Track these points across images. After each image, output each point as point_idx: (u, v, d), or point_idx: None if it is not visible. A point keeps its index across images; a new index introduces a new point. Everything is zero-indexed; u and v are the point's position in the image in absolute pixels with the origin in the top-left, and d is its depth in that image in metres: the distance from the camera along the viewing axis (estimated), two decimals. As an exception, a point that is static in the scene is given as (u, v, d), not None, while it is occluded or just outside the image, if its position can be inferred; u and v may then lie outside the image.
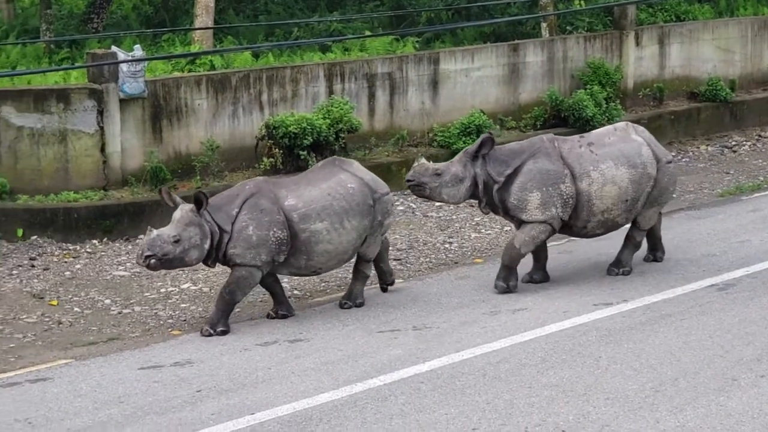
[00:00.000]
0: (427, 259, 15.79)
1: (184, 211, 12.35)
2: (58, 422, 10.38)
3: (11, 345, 12.59)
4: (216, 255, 12.54)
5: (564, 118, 21.41)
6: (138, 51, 17.76)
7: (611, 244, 15.01)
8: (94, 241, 16.35)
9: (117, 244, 16.37)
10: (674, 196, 14.79)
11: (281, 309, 13.18)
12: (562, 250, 15.68)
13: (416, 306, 13.51)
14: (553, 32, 23.26)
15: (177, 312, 13.68)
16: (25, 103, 16.89)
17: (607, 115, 21.49)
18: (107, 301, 14.04)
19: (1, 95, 16.83)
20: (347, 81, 19.68)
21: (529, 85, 21.92)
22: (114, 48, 18.11)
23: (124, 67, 17.11)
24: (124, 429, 10.19)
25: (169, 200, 12.58)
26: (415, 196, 15.77)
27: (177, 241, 12.15)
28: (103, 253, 16.03)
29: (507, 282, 13.76)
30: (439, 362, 11.64)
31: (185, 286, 14.64)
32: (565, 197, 13.57)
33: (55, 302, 14.03)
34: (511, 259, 13.72)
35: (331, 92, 19.40)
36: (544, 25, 23.29)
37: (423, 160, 13.75)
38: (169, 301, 14.07)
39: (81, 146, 17.14)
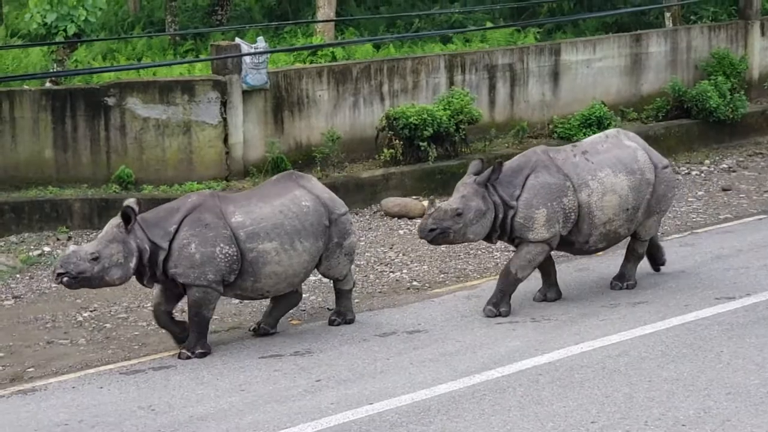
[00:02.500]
0: (547, 251, 15.69)
1: (110, 226, 11.48)
2: (180, 409, 10.56)
3: (135, 333, 12.84)
4: (153, 273, 11.59)
5: (687, 110, 21.10)
6: (261, 43, 17.97)
7: (735, 237, 14.75)
8: (217, 231, 16.56)
9: (239, 234, 16.55)
10: (673, 203, 13.87)
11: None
12: (684, 243, 15.46)
13: (531, 298, 13.44)
14: (677, 22, 22.94)
15: (297, 302, 13.81)
16: (150, 95, 17.21)
17: (731, 106, 21.11)
18: (229, 290, 14.24)
19: (127, 87, 17.17)
20: (468, 72, 19.65)
21: (652, 75, 21.65)
22: (238, 40, 18.34)
23: (247, 58, 17.32)
24: (245, 417, 10.32)
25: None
26: None
27: (95, 259, 11.22)
28: (225, 243, 16.23)
29: (498, 308, 12.80)
30: (558, 354, 11.57)
31: (305, 276, 14.76)
32: (567, 211, 12.73)
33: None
34: (508, 285, 12.85)
35: (451, 83, 19.39)
36: (667, 14, 22.98)
37: (438, 204, 12.53)
38: (290, 290, 14.21)
39: (204, 137, 17.40)
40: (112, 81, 17.30)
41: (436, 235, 12.46)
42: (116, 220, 11.46)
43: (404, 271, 14.70)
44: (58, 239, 15.96)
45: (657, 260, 14.13)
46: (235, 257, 11.64)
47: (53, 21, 17.36)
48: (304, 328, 12.84)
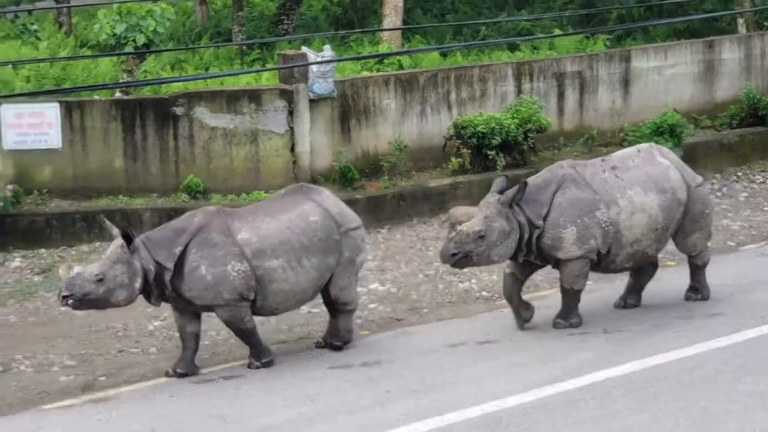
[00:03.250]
0: (618, 261, 15.58)
1: (114, 247, 11.36)
2: (251, 419, 10.61)
3: (206, 342, 12.88)
4: (161, 293, 11.53)
5: (761, 117, 20.83)
6: (328, 52, 18.03)
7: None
8: (284, 240, 16.63)
9: (306, 244, 16.59)
10: (712, 217, 13.46)
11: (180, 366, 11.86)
12: (761, 253, 15.29)
13: (607, 309, 13.34)
14: (750, 28, 22.68)
15: (365, 312, 13.80)
16: (218, 104, 17.33)
17: (807, 114, 20.81)
18: (297, 300, 14.25)
19: (195, 96, 17.30)
20: (536, 80, 19.58)
21: (725, 82, 21.42)
22: (304, 49, 18.41)
23: (314, 67, 17.38)
24: (314, 427, 10.34)
25: (108, 230, 11.78)
26: None
27: (100, 280, 11.13)
28: (293, 252, 16.27)
29: (568, 319, 12.70)
30: (632, 366, 11.47)
31: (373, 286, 14.77)
32: (603, 225, 12.34)
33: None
34: (569, 298, 12.69)
35: (519, 91, 19.32)
36: (740, 21, 22.74)
37: (459, 228, 12.14)
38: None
39: (272, 146, 17.48)
40: (180, 91, 17.44)
41: (459, 259, 12.08)
42: (119, 241, 11.36)
43: (473, 281, 14.65)
44: (127, 248, 16.09)
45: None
46: (249, 273, 11.47)
47: (122, 31, 17.53)
48: (372, 338, 12.84)
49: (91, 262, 15.38)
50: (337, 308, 12.25)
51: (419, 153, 18.49)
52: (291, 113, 17.52)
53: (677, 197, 12.76)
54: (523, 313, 12.71)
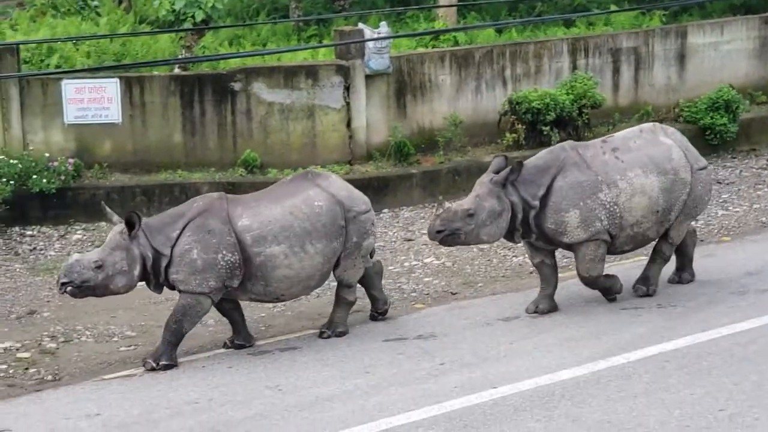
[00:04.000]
0: (672, 237, 15.53)
1: (113, 233, 11.20)
2: (306, 390, 10.71)
3: (262, 315, 13.02)
4: (156, 280, 11.33)
5: (817, 93, 20.64)
6: (384, 28, 18.06)
7: None
8: (340, 215, 16.70)
9: (362, 218, 16.66)
10: (708, 206, 13.25)
11: (238, 338, 11.87)
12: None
13: (660, 284, 13.28)
14: (808, 3, 22.43)
15: (420, 286, 13.87)
16: (275, 80, 17.42)
17: None
18: (353, 274, 14.33)
19: (252, 72, 17.40)
20: (591, 56, 19.51)
21: (782, 58, 21.23)
22: (361, 25, 18.44)
23: (370, 43, 17.42)
24: (369, 399, 10.42)
25: (107, 218, 11.63)
26: None
27: (99, 267, 10.98)
28: (348, 227, 16.35)
29: (611, 293, 12.62)
30: (685, 341, 11.45)
31: (428, 260, 14.83)
32: (608, 206, 12.09)
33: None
34: (594, 284, 12.51)
35: (574, 67, 19.27)
36: (798, -4, 22.49)
37: (447, 205, 12.23)
38: (413, 275, 14.27)
39: (328, 121, 17.56)
40: (238, 66, 17.56)
41: (445, 236, 11.93)
42: (119, 227, 11.19)
43: (527, 255, 14.65)
44: (185, 222, 16.25)
45: (683, 273, 13.31)
46: (237, 264, 11.25)
47: (182, 7, 17.64)
48: (427, 312, 12.90)
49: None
50: (338, 294, 12.08)
51: (474, 128, 18.50)
52: (347, 89, 17.58)
53: (680, 177, 12.42)
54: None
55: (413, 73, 18.22)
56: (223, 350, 11.83)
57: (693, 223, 13.16)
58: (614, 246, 12.43)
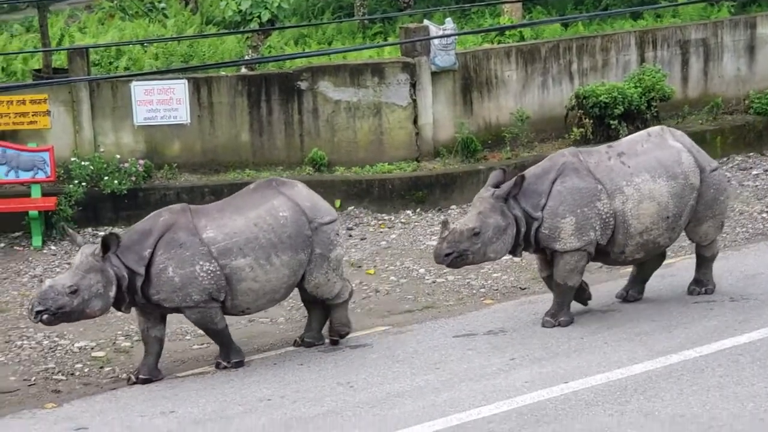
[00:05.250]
0: (744, 229, 15.40)
1: (84, 255, 10.77)
2: (377, 386, 10.77)
3: (332, 311, 13.11)
4: (131, 300, 10.96)
5: None
6: (449, 24, 18.08)
7: None
8: (408, 212, 16.78)
9: (429, 215, 16.73)
10: (727, 204, 12.76)
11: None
12: None
13: (732, 277, 13.22)
14: None
15: (489, 281, 13.88)
16: (341, 78, 17.50)
17: None
18: (421, 270, 14.36)
19: (319, 71, 17.49)
20: (659, 48, 19.38)
21: None
22: (426, 22, 18.46)
23: (435, 40, 17.44)
24: (440, 394, 10.47)
25: (71, 240, 11.36)
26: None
27: (74, 292, 10.58)
28: (416, 223, 16.43)
29: (556, 318, 12.02)
30: (759, 334, 11.37)
31: (497, 255, 14.82)
32: (604, 217, 11.72)
33: (372, 271, 14.47)
34: (562, 294, 12.04)
35: (642, 60, 19.15)
36: None
37: (451, 226, 11.74)
38: (481, 270, 14.26)
39: (394, 119, 17.61)
40: (304, 65, 17.66)
41: (453, 259, 11.63)
42: (90, 248, 10.82)
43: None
44: (255, 221, 16.38)
45: (701, 283, 12.79)
46: (218, 272, 10.94)
47: (248, 8, 17.77)
48: (496, 307, 12.91)
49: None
50: (326, 304, 11.73)
51: (541, 123, 18.45)
52: (413, 86, 17.62)
53: (689, 182, 12.04)
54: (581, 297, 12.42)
55: (479, 69, 18.21)
56: (293, 348, 11.92)
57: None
58: (624, 255, 12.06)
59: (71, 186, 16.10)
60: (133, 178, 16.45)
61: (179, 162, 17.14)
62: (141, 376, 11.12)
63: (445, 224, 11.81)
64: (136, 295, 10.92)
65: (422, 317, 12.74)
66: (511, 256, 12.57)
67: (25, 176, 16.03)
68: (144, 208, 16.17)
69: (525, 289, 13.45)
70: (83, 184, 16.14)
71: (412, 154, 17.68)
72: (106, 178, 16.25)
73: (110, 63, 19.21)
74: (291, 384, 10.91)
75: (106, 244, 10.75)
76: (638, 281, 12.75)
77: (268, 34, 18.85)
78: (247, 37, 18.69)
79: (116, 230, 11.28)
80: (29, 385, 11.38)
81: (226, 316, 11.42)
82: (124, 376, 11.36)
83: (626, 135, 17.67)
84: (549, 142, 18.36)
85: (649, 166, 11.99)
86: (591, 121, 17.92)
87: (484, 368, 11.06)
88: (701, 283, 12.73)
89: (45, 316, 10.58)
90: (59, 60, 18.35)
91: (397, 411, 10.15)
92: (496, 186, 11.79)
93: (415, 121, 17.70)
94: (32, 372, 11.70)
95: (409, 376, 10.98)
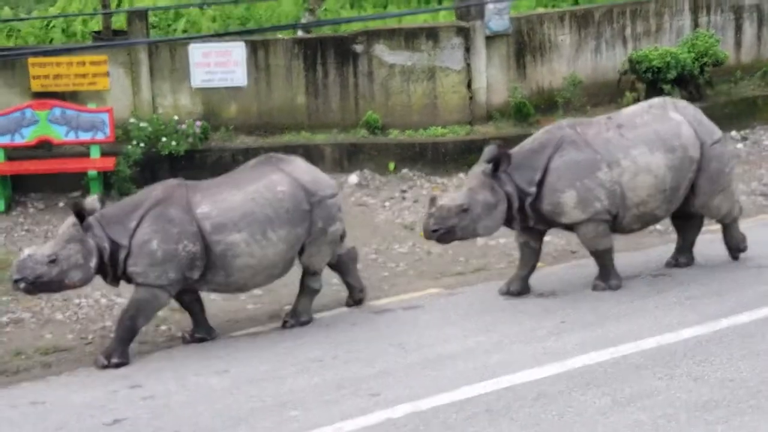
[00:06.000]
0: (796, 194, 15.23)
1: (66, 225, 10.55)
2: (429, 347, 10.72)
3: (385, 274, 13.07)
4: (114, 273, 10.67)
5: None
6: (503, -12, 17.89)
7: None
8: (461, 175, 16.62)
9: (482, 178, 16.59)
10: (732, 176, 12.33)
11: (198, 332, 11.24)
12: None
13: (783, 243, 13.05)
14: None
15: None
16: (396, 42, 17.37)
17: None
18: (473, 233, 14.25)
19: (373, 35, 17.37)
20: (713, 13, 19.09)
21: None
22: (480, -14, 18.30)
23: (490, 4, 17.27)
24: (492, 356, 10.40)
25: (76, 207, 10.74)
26: None
27: (53, 261, 10.33)
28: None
29: (607, 281, 11.90)
30: (811, 299, 11.22)
31: (548, 219, 14.69)
32: (608, 186, 11.47)
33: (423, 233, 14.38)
34: (601, 259, 11.89)
35: (696, 25, 18.89)
36: None
37: (440, 202, 11.44)
38: (533, 233, 14.13)
39: (448, 82, 17.48)
40: (359, 29, 17.54)
41: (441, 235, 11.41)
42: (71, 219, 10.55)
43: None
44: (309, 182, 16.36)
45: (732, 248, 12.58)
46: (197, 255, 10.64)
47: (304, -28, 17.71)
48: (548, 270, 12.79)
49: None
50: (302, 282, 11.47)
51: (593, 88, 18.24)
52: (467, 50, 17.47)
53: (689, 155, 11.73)
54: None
55: (533, 33, 18.03)
56: (345, 309, 11.91)
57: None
58: (621, 226, 11.83)
59: (129, 147, 16.12)
60: (191, 140, 16.44)
61: (236, 124, 17.13)
62: (114, 360, 10.66)
63: (433, 200, 11.53)
64: (119, 268, 10.63)
65: (473, 279, 12.66)
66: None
67: (84, 137, 16.08)
68: (201, 168, 16.22)
69: (575, 252, 13.30)
70: (141, 144, 16.16)
71: (465, 118, 17.55)
72: (164, 139, 16.26)
73: (168, 25, 19.21)
74: (343, 345, 10.89)
75: (80, 214, 10.48)
76: (685, 248, 12.54)
77: (325, -2, 18.76)
78: (304, 1, 18.60)
79: (93, 197, 10.97)
80: (86, 344, 11.46)
81: (224, 294, 11.41)
82: (179, 334, 11.39)
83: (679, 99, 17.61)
84: (601, 107, 18.12)
85: (647, 139, 11.69)
86: (644, 85, 17.74)
87: (535, 331, 10.98)
88: (733, 246, 12.48)
89: (23, 285, 10.39)
90: (118, 22, 18.35)
91: (449, 372, 10.10)
92: (490, 161, 11.49)
93: (468, 85, 17.56)
94: (89, 330, 11.78)
95: (460, 338, 10.92)
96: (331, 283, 12.70)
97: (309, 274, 11.40)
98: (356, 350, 10.74)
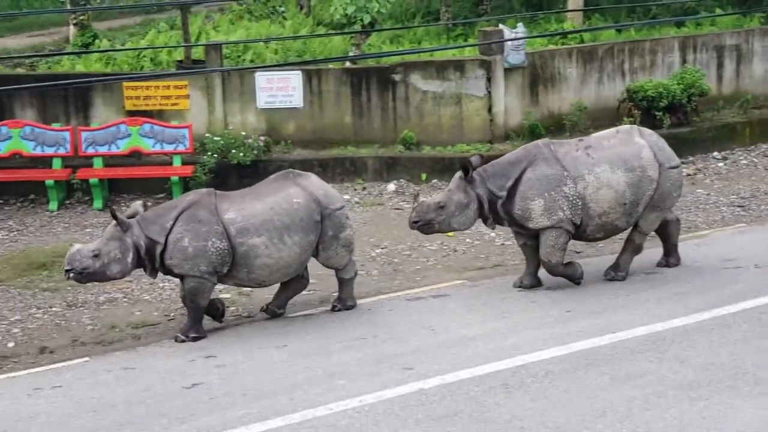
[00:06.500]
0: (767, 207, 15.04)
1: (111, 226, 10.65)
2: (454, 330, 10.72)
3: (417, 267, 13.07)
4: (152, 266, 10.70)
5: None
6: (521, 28, 17.84)
7: None
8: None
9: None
10: (678, 201, 12.28)
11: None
12: None
13: (758, 246, 12.94)
14: None
15: (550, 245, 13.69)
16: (429, 72, 17.37)
17: None
18: (492, 234, 14.18)
19: (410, 66, 17.39)
20: (699, 52, 18.98)
21: None
22: (501, 26, 18.24)
23: (508, 42, 17.24)
24: (507, 339, 10.39)
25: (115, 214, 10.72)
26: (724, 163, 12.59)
27: (96, 256, 10.42)
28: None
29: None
30: (779, 297, 11.12)
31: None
32: (571, 199, 11.39)
33: (451, 234, 14.32)
34: (551, 270, 11.71)
35: (684, 61, 18.78)
36: None
37: (422, 198, 11.67)
38: (543, 235, 14.08)
39: (472, 107, 17.46)
40: (398, 62, 17.53)
41: (421, 226, 11.50)
42: (114, 221, 10.65)
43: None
44: (354, 189, 16.39)
45: (670, 257, 12.39)
46: (226, 251, 10.61)
47: (352, 12, 17.71)
48: (556, 267, 12.73)
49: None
50: (337, 276, 11.46)
51: (596, 113, 18.16)
52: (489, 80, 17.45)
53: (647, 174, 11.57)
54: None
55: (545, 66, 17.98)
56: (384, 296, 11.92)
57: (671, 214, 12.19)
58: (586, 234, 11.71)
59: (205, 157, 16.21)
60: (255, 152, 16.50)
61: (293, 139, 17.16)
62: (191, 335, 10.77)
63: (415, 197, 11.71)
64: (156, 262, 10.65)
65: (492, 273, 12.64)
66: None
67: (168, 148, 16.21)
68: (263, 176, 16.01)
69: (579, 252, 13.26)
70: (215, 155, 16.25)
71: (486, 137, 17.53)
72: (233, 150, 16.33)
73: (239, 56, 19.26)
74: (382, 326, 10.91)
75: (116, 218, 10.54)
76: (672, 250, 12.38)
77: (369, 35, 18.76)
78: (351, 37, 18.63)
79: (138, 203, 11.06)
80: (169, 320, 11.53)
81: (247, 288, 11.37)
82: (245, 314, 11.44)
83: (669, 124, 17.54)
84: (603, 129, 17.94)
85: (610, 159, 11.57)
86: (639, 112, 17.66)
87: (544, 318, 10.95)
88: (618, 268, 12.09)
89: (72, 275, 10.46)
90: (197, 53, 18.45)
91: (471, 352, 10.10)
92: (474, 168, 11.57)
93: (489, 110, 17.53)
94: (171, 309, 11.85)
95: (480, 323, 10.91)
96: (371, 274, 12.74)
97: (339, 270, 11.36)
98: (393, 331, 10.75)
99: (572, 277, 11.86)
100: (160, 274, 10.94)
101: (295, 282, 11.37)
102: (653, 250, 12.66)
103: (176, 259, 10.57)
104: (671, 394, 8.98)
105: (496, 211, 11.59)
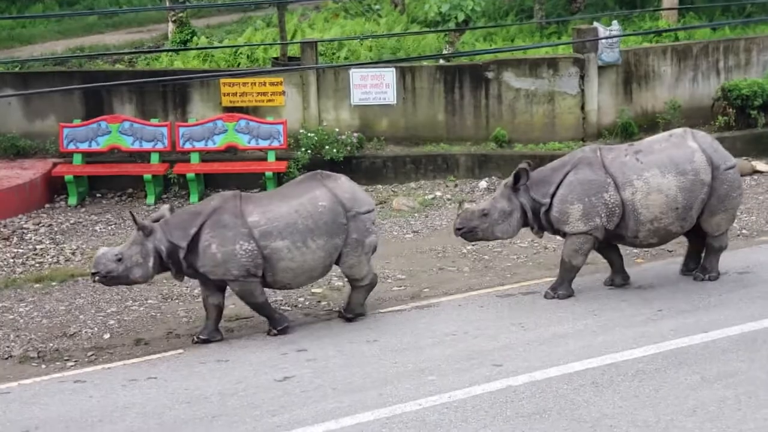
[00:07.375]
0: None
1: (135, 231, 10.60)
2: (544, 327, 10.64)
3: (508, 264, 13.00)
4: (177, 269, 10.58)
5: None
6: (615, 26, 17.66)
7: None
8: (574, 183, 16.45)
9: (592, 186, 16.37)
10: (740, 201, 11.68)
11: (617, 278, 11.60)
12: None
13: None
14: None
15: (641, 244, 13.50)
16: (521, 70, 17.26)
17: None
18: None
19: (503, 64, 17.30)
20: (796, 49, 18.54)
21: None
22: (595, 24, 18.04)
23: (602, 39, 17.05)
24: (597, 337, 10.29)
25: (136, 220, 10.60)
26: None
27: (119, 260, 10.37)
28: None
29: (556, 291, 11.50)
30: None
31: (648, 222, 14.42)
32: (610, 206, 11.12)
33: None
34: (565, 271, 11.48)
35: (780, 59, 18.38)
36: None
37: (466, 205, 11.55)
38: (635, 234, 13.89)
39: (565, 105, 17.30)
40: (491, 59, 17.46)
41: (464, 233, 11.35)
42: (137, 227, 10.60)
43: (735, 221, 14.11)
44: (446, 186, 16.37)
45: (707, 268, 11.88)
46: (255, 252, 10.42)
47: (447, 10, 17.68)
48: (646, 266, 12.58)
49: (416, 197, 15.81)
50: (351, 284, 11.12)
51: (690, 111, 17.86)
52: (582, 78, 17.27)
53: (699, 178, 11.21)
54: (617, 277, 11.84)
55: (639, 64, 17.72)
56: (474, 292, 11.88)
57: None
58: (638, 239, 11.40)
59: (299, 152, 16.35)
60: (348, 148, 16.59)
61: (386, 136, 17.22)
62: (201, 337, 10.74)
63: (460, 204, 11.62)
64: (182, 265, 10.54)
65: (583, 271, 12.44)
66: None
67: (263, 144, 16.37)
68: (356, 172, 16.37)
69: (672, 251, 13.05)
70: (309, 151, 16.38)
71: (578, 135, 17.36)
72: (327, 147, 16.45)
73: (333, 53, 19.39)
74: (473, 322, 10.88)
75: (137, 224, 10.50)
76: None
77: (462, 32, 18.72)
78: (445, 35, 18.61)
79: (165, 206, 10.93)
80: (262, 313, 11.64)
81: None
82: (336, 309, 11.50)
83: (764, 123, 17.15)
84: (697, 128, 17.55)
85: (660, 163, 11.26)
86: (734, 110, 17.32)
87: (635, 317, 10.81)
88: (706, 270, 11.82)
89: (97, 278, 10.48)
90: (293, 50, 18.61)
91: (561, 349, 10.02)
92: (519, 176, 11.40)
93: (582, 108, 17.36)
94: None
95: (570, 320, 10.82)
96: (462, 270, 12.72)
97: (352, 280, 11.03)
98: (483, 327, 10.72)
99: (569, 285, 11.59)
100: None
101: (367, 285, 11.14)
102: (745, 249, 12.40)
103: (208, 266, 10.48)
104: (762, 395, 8.80)
105: (540, 218, 11.45)
